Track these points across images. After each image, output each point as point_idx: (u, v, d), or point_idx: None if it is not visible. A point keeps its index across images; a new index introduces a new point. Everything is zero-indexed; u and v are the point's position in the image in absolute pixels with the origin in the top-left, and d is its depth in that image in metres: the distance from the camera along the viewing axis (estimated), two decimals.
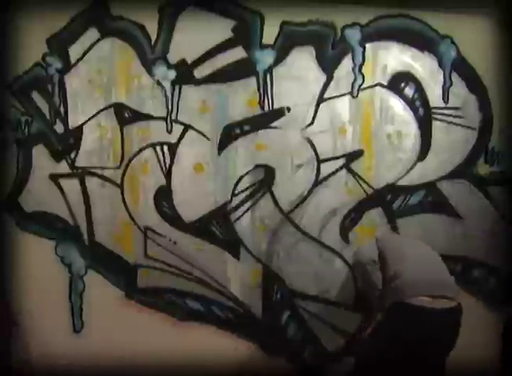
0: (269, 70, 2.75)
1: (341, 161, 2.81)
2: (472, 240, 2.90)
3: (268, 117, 2.78)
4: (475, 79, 2.84)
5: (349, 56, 2.76)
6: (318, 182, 2.81)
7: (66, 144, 2.75)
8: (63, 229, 2.77)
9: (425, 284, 2.24)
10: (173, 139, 2.76)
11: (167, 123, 2.75)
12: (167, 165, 2.77)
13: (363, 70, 2.77)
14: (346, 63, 2.77)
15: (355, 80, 2.77)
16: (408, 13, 2.78)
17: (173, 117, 2.74)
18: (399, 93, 2.82)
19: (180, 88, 2.73)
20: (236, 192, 2.79)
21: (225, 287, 2.83)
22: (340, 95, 2.79)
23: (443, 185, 2.88)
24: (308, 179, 2.81)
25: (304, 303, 2.86)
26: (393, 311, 2.25)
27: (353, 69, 2.77)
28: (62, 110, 2.73)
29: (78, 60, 2.71)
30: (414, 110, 2.84)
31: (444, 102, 2.85)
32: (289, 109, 2.77)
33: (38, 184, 2.74)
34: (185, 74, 2.73)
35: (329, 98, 2.78)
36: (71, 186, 2.75)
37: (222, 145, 2.78)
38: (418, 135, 2.86)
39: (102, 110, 2.73)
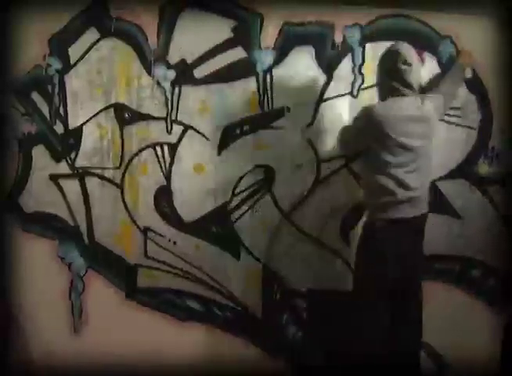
0: (269, 70, 2.74)
1: (341, 161, 2.81)
2: (472, 239, 2.89)
3: (268, 117, 2.78)
4: (475, 79, 2.84)
5: (349, 56, 2.76)
6: (318, 182, 2.81)
7: (66, 144, 2.75)
8: (62, 229, 2.77)
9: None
10: (173, 139, 2.76)
11: (167, 123, 2.75)
12: (167, 165, 2.77)
13: (363, 70, 2.77)
14: (346, 63, 2.77)
15: (354, 80, 2.77)
16: (408, 13, 2.78)
17: (173, 118, 2.75)
18: None
19: (180, 89, 2.73)
20: (236, 192, 2.79)
21: (225, 287, 2.83)
22: (340, 96, 2.79)
23: (443, 185, 2.88)
24: (308, 179, 2.81)
25: (304, 303, 2.86)
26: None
27: (353, 69, 2.77)
28: (62, 110, 2.73)
29: (78, 60, 2.71)
30: None
31: None
32: (289, 109, 2.77)
33: (38, 184, 2.74)
34: (184, 74, 2.73)
35: (329, 98, 2.78)
36: (71, 186, 2.76)
37: (222, 145, 2.78)
38: None
39: (102, 111, 2.73)
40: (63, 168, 2.76)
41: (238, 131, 2.78)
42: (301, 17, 2.72)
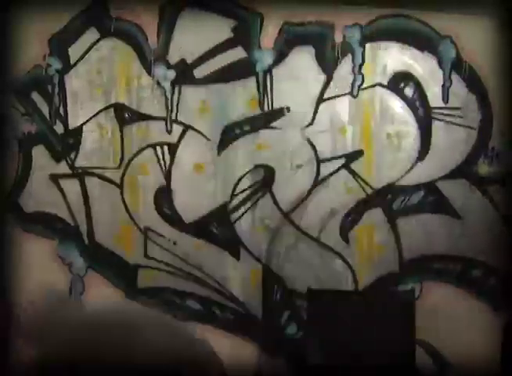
0: (269, 70, 2.75)
1: (341, 161, 2.81)
2: (472, 240, 2.89)
3: (268, 117, 2.78)
4: (475, 79, 2.84)
5: (349, 56, 2.76)
6: (318, 182, 2.80)
7: (66, 144, 2.75)
8: (62, 229, 2.77)
9: None
10: (173, 139, 2.76)
11: (166, 123, 2.75)
12: (167, 165, 2.77)
13: (363, 70, 2.77)
14: (346, 63, 2.77)
15: (354, 80, 2.77)
16: (408, 13, 2.78)
17: (173, 118, 2.75)
18: (399, 93, 2.82)
19: (180, 89, 2.73)
20: (236, 192, 2.79)
21: (225, 287, 2.83)
22: (340, 95, 2.79)
23: (443, 185, 2.87)
24: (308, 179, 2.81)
25: (304, 303, 2.86)
26: None
27: (353, 69, 2.77)
28: (62, 110, 2.73)
29: (78, 60, 2.72)
30: (414, 109, 2.84)
31: (444, 102, 2.85)
32: (289, 109, 2.77)
33: (38, 184, 2.74)
34: (184, 74, 2.73)
35: (329, 98, 2.78)
36: (71, 186, 2.75)
37: (222, 145, 2.78)
38: (418, 135, 2.85)
39: (101, 111, 2.73)
40: (63, 168, 2.76)
41: (238, 131, 2.78)
42: (301, 17, 2.73)
